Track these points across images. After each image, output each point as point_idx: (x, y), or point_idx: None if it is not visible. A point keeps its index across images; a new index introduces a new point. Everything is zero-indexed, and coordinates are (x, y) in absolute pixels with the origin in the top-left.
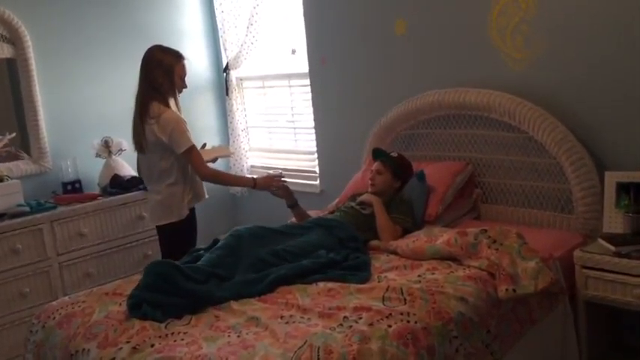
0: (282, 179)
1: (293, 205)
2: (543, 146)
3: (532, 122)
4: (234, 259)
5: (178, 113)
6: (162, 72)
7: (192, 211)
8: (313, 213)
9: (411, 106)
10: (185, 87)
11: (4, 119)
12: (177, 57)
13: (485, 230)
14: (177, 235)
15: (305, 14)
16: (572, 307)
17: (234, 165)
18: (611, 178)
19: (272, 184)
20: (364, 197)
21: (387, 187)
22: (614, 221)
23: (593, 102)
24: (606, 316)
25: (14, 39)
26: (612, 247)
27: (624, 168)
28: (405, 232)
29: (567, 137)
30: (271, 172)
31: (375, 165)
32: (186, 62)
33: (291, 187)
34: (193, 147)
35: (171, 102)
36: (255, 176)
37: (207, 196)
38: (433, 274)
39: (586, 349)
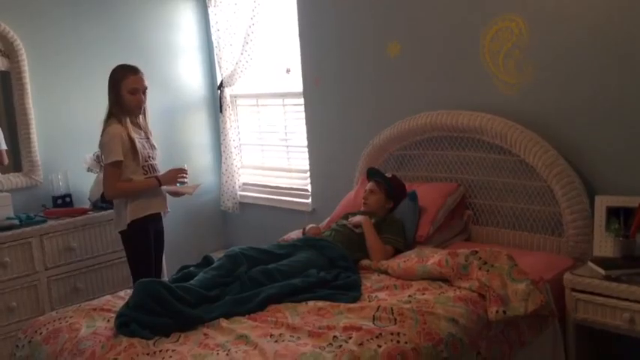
0: (185, 173)
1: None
2: (534, 169)
3: (523, 145)
4: (228, 280)
5: (123, 130)
6: (112, 89)
7: (142, 222)
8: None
9: (404, 127)
10: (140, 101)
11: None
12: (125, 72)
13: (476, 252)
14: (127, 244)
15: (300, 34)
16: (562, 330)
17: (226, 182)
18: (602, 202)
19: (176, 178)
20: (354, 220)
21: (379, 207)
22: (604, 245)
23: (583, 126)
24: (596, 339)
25: (9, 52)
26: (602, 271)
27: (614, 192)
28: (397, 252)
29: (558, 161)
30: (175, 166)
31: (369, 185)
32: (138, 76)
33: (283, 206)
34: (114, 164)
35: (127, 119)
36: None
37: (167, 210)
38: (424, 294)
39: None
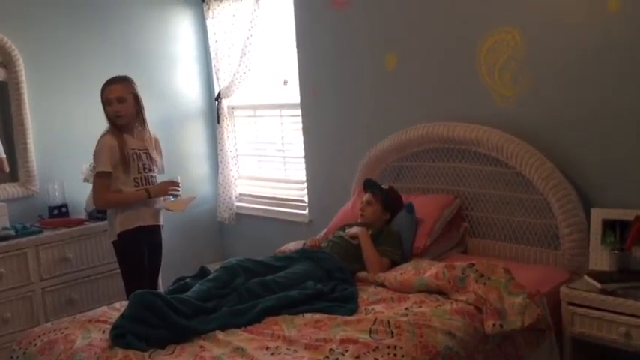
0: (178, 186)
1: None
2: (530, 182)
3: (519, 158)
4: (224, 291)
5: (113, 141)
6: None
7: (133, 233)
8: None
9: (401, 138)
10: (114, 111)
11: None
12: (102, 86)
13: (473, 264)
14: (118, 255)
15: (298, 46)
16: (559, 344)
17: (222, 192)
18: (598, 216)
19: (167, 190)
20: (351, 231)
21: (376, 219)
22: (600, 258)
23: (580, 139)
24: (592, 352)
25: (6, 62)
26: (598, 284)
27: (610, 205)
28: (394, 264)
29: (554, 174)
30: (168, 179)
31: (366, 196)
32: (110, 87)
33: (280, 217)
34: (101, 174)
35: (123, 131)
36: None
37: (161, 223)
38: (420, 307)
39: None
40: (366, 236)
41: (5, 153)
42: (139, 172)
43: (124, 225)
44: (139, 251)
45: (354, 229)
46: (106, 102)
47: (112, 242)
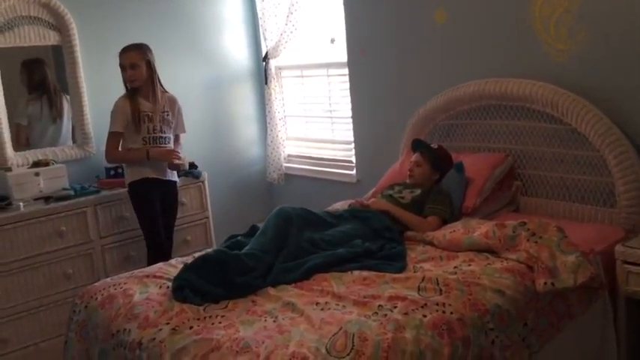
0: (180, 160)
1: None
2: (586, 138)
3: (575, 114)
4: (282, 241)
5: (126, 104)
6: None
7: (141, 183)
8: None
9: (451, 96)
10: (127, 76)
11: None
12: (119, 53)
13: (525, 223)
14: (132, 204)
15: (345, 3)
16: (612, 303)
17: (271, 153)
18: None
19: (166, 156)
20: (370, 203)
21: (425, 179)
22: None
23: (638, 94)
24: None
25: (60, 26)
26: None
27: None
28: (444, 222)
29: (611, 130)
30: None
31: (415, 156)
32: (122, 55)
33: (328, 177)
34: (112, 134)
35: (137, 94)
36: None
37: (169, 178)
38: (470, 265)
39: (625, 345)
40: (395, 208)
41: (62, 117)
42: (148, 133)
43: (133, 176)
44: (148, 199)
45: (375, 203)
46: (121, 68)
47: (128, 192)
